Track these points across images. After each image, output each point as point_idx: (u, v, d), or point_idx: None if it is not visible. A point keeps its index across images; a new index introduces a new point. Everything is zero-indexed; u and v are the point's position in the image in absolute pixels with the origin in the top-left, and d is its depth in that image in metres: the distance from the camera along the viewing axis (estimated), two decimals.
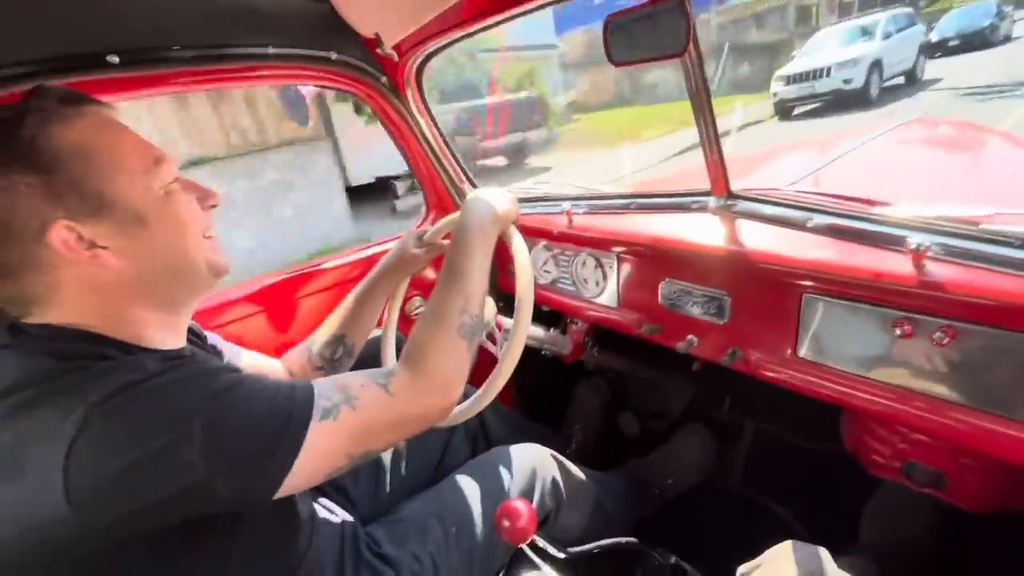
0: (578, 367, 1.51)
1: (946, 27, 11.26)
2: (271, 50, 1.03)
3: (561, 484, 0.97)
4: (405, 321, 1.32)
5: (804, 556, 0.72)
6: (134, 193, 0.54)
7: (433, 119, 1.36)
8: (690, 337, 1.04)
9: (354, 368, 1.37)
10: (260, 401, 0.52)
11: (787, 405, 1.09)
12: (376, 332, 1.43)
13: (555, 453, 1.02)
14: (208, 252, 0.61)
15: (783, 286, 0.87)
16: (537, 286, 1.32)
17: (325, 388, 0.57)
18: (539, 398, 1.59)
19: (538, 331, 1.35)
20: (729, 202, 0.99)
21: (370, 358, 1.39)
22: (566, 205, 1.25)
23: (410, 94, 1.28)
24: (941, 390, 0.74)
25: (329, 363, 0.92)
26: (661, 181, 1.94)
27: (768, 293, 0.90)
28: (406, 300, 1.43)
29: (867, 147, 1.60)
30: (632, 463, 1.34)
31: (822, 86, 8.20)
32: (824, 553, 0.73)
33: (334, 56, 1.11)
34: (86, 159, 0.51)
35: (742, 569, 0.78)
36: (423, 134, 1.37)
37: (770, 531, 0.81)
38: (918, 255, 0.70)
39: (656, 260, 1.08)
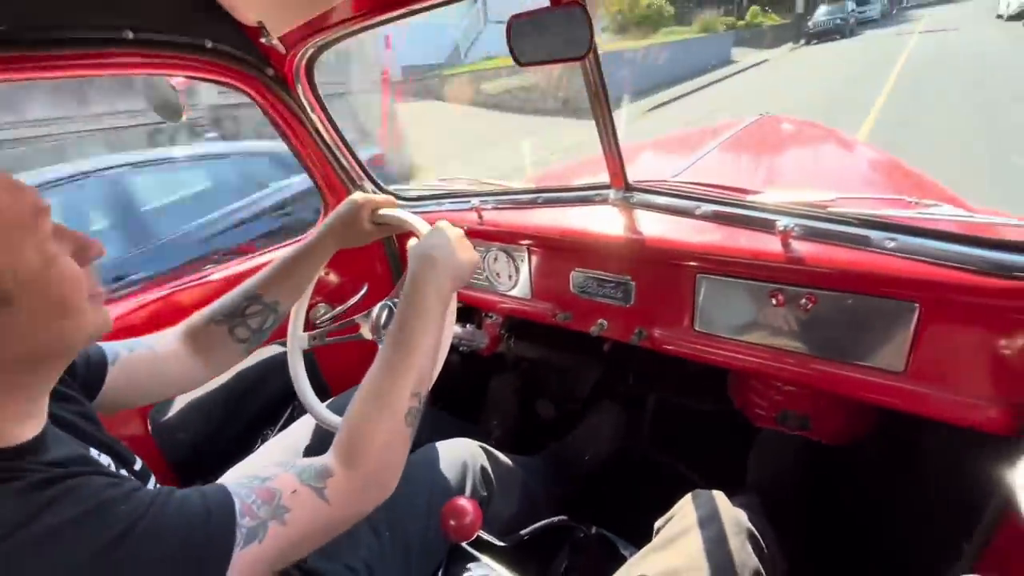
0: (495, 360, 1.54)
1: None
2: (130, 35, 0.90)
3: (491, 473, 0.99)
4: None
5: (704, 500, 0.84)
6: None
7: (326, 112, 1.28)
8: (601, 321, 1.11)
9: (263, 370, 1.27)
10: (163, 544, 0.42)
11: (682, 374, 1.22)
12: (278, 349, 1.34)
13: (483, 444, 1.04)
14: (92, 319, 0.49)
15: (679, 268, 0.97)
16: None
17: (247, 499, 0.48)
18: (458, 393, 1.60)
19: (455, 328, 1.36)
20: (627, 194, 1.07)
21: (273, 372, 1.30)
22: (475, 201, 1.27)
23: (300, 88, 1.19)
24: (806, 347, 0.88)
25: (256, 334, 0.82)
26: (564, 174, 2.03)
27: (666, 275, 0.99)
28: (310, 307, 1.35)
29: (727, 142, 1.82)
30: (552, 445, 1.41)
31: None
32: (720, 495, 0.85)
33: (209, 44, 1.00)
34: None
35: (658, 523, 0.88)
36: (315, 128, 1.28)
37: (677, 487, 0.91)
38: (785, 235, 0.83)
39: (565, 251, 1.14)
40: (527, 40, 0.80)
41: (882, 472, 1.15)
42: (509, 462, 1.09)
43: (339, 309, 1.33)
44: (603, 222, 1.07)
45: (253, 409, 1.34)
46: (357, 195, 0.86)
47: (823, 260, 0.80)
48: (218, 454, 1.15)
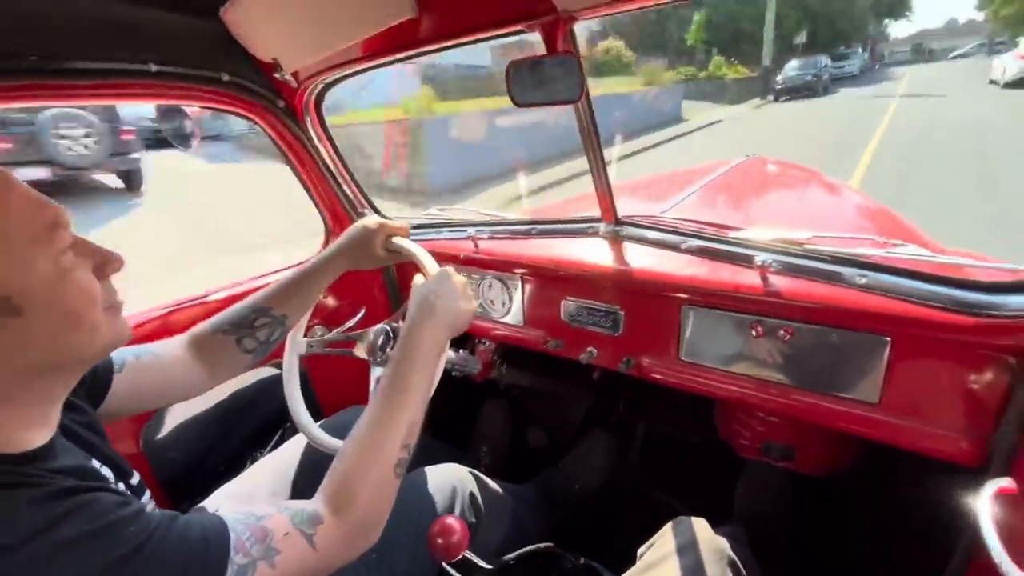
0: (487, 386, 1.56)
1: None
2: (152, 67, 0.96)
3: (480, 499, 1.00)
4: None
5: (685, 528, 0.85)
6: (8, 273, 0.42)
7: (333, 143, 1.34)
8: (590, 349, 1.15)
9: (257, 392, 1.28)
10: (165, 567, 0.44)
11: (672, 403, 1.25)
12: (271, 371, 1.35)
13: (472, 470, 1.05)
14: (107, 332, 0.50)
15: (665, 300, 1.01)
16: None
17: (242, 535, 0.50)
18: (449, 419, 1.61)
19: (448, 353, 1.38)
20: (617, 228, 1.12)
21: (265, 394, 1.32)
22: (471, 231, 1.31)
23: (308, 120, 1.26)
24: (785, 377, 0.92)
25: (263, 345, 0.83)
26: (557, 208, 2.10)
27: (654, 306, 1.03)
28: (308, 328, 1.37)
29: (715, 181, 1.90)
30: (542, 473, 1.41)
31: None
32: (702, 523, 0.87)
33: (226, 78, 1.06)
34: None
35: (641, 550, 0.89)
36: (322, 159, 1.34)
37: (667, 518, 0.92)
38: (763, 270, 0.88)
39: (557, 281, 1.18)
40: (524, 84, 0.86)
41: (865, 504, 1.16)
42: (498, 489, 1.09)
43: (336, 331, 1.36)
44: (594, 254, 1.11)
45: (245, 431, 1.35)
46: (372, 220, 0.88)
47: (799, 294, 0.85)
48: (208, 473, 1.16)
